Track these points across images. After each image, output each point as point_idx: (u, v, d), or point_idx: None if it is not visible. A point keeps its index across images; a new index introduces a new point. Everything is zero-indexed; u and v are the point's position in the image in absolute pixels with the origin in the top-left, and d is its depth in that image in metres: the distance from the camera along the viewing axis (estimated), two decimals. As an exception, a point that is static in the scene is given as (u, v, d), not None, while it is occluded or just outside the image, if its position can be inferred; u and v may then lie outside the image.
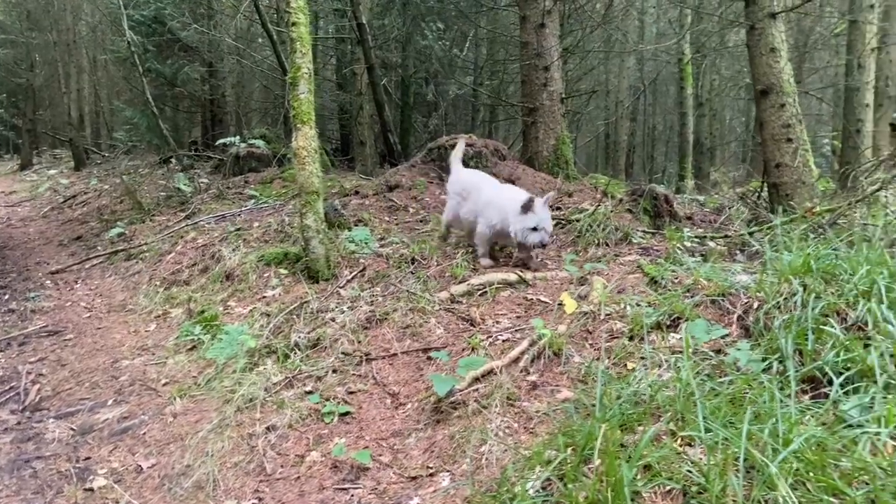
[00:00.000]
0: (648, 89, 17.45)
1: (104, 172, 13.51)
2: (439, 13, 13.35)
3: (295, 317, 4.14)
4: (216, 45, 13.22)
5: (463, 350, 3.42)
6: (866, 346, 2.50)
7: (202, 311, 4.73)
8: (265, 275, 5.06)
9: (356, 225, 5.82)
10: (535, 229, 4.28)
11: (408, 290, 4.10)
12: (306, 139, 4.62)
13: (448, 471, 2.49)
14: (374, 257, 4.92)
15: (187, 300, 5.08)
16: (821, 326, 2.57)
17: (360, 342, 3.71)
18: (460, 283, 4.23)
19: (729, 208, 5.91)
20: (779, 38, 5.30)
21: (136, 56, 11.82)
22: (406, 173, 7.23)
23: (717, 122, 17.27)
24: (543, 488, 2.15)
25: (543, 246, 4.38)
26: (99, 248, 7.75)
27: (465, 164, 7.17)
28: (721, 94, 16.05)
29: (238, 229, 6.35)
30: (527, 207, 4.27)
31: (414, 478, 2.52)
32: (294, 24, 4.66)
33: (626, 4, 11.21)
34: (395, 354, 3.50)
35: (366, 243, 5.14)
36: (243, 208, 7.45)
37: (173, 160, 11.92)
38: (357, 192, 7.10)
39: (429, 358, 3.39)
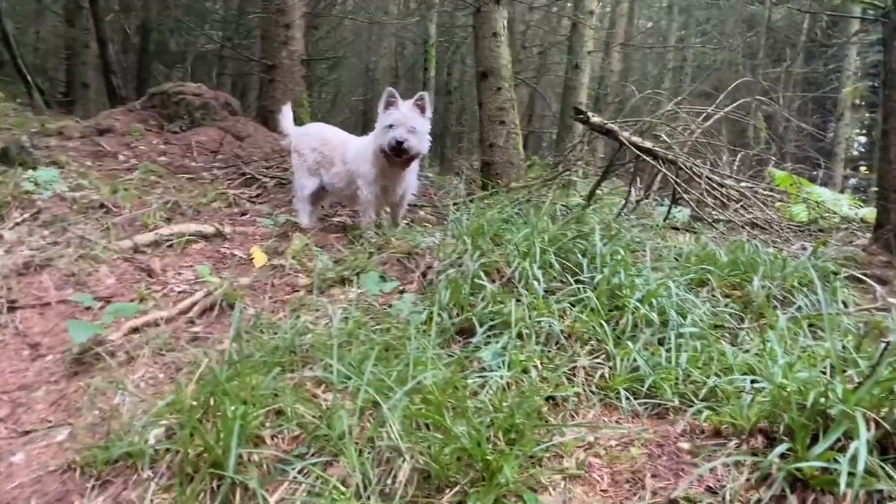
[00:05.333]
0: (407, 73, 17.78)
1: None
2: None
3: (-65, 259, 3.48)
4: None
5: (131, 301, 3.11)
6: (518, 300, 2.67)
7: None
8: (-83, 212, 4.24)
9: (48, 167, 5.11)
10: (391, 126, 3.58)
11: (82, 237, 3.65)
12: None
13: (71, 424, 2.21)
14: (58, 201, 4.34)
15: None
16: (476, 281, 2.69)
17: (10, 289, 3.20)
18: (150, 232, 3.88)
19: (449, 184, 6.15)
20: (501, 24, 5.58)
21: None
22: (121, 117, 6.53)
23: (468, 112, 18.12)
24: (168, 437, 1.99)
25: (400, 145, 3.55)
26: None
27: (191, 115, 6.70)
28: (467, 84, 16.81)
29: None
30: (389, 103, 3.63)
31: (27, 432, 2.20)
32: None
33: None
34: (48, 304, 3.08)
35: (50, 185, 4.51)
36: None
37: None
38: (61, 133, 6.26)
39: (88, 308, 3.02)
